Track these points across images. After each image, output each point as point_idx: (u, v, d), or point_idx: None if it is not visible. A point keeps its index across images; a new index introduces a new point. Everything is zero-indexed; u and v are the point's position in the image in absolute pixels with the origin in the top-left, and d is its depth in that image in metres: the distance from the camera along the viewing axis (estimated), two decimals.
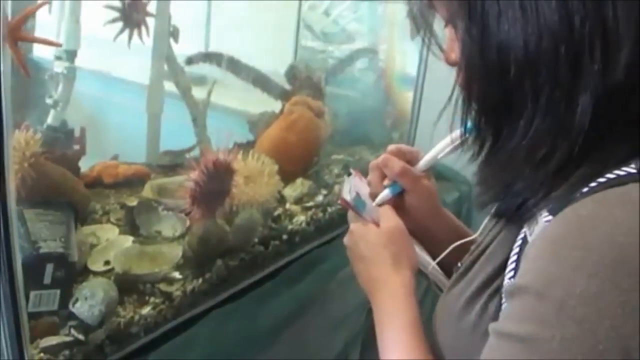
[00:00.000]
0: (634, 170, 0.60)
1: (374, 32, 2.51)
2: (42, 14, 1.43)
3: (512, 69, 0.64)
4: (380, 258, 0.91)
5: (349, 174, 1.07)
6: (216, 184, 1.27)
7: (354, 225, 0.97)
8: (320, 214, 1.67)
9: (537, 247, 0.62)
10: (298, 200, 1.69)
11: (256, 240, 1.46)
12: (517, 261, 0.69)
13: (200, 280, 1.29)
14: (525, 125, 0.65)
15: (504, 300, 0.69)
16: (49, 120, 1.46)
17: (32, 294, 1.03)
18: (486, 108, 0.70)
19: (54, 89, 1.47)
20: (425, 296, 1.11)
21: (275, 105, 1.89)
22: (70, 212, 1.17)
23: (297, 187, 1.70)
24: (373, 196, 1.02)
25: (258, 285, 1.41)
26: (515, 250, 0.71)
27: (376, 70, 2.42)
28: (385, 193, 1.00)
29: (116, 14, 1.48)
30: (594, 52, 0.61)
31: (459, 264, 0.87)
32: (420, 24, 0.79)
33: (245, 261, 1.41)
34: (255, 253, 1.44)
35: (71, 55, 1.47)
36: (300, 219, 1.62)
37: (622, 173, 0.60)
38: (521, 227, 0.72)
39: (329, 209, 1.70)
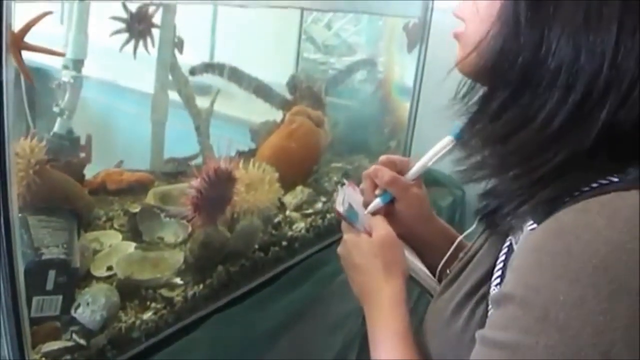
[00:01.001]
0: (616, 179, 0.59)
1: (373, 44, 2.49)
2: (53, 24, 1.42)
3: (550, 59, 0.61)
4: (373, 267, 0.90)
5: (343, 184, 1.06)
6: (217, 191, 1.25)
7: (347, 235, 0.96)
8: (320, 221, 1.64)
9: (520, 256, 0.61)
10: (298, 208, 1.66)
11: (256, 246, 1.43)
12: (503, 269, 0.69)
13: (202, 285, 1.26)
14: (540, 126, 0.62)
15: (490, 307, 0.67)
16: (56, 128, 1.43)
17: (35, 299, 1.00)
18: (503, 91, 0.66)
19: (60, 98, 1.45)
20: (419, 301, 1.09)
21: (277, 115, 1.86)
22: (73, 219, 1.14)
23: (297, 195, 1.67)
24: (366, 204, 1.01)
25: (258, 290, 1.38)
26: (502, 258, 0.71)
27: (374, 81, 2.40)
28: (377, 202, 1.00)
29: (122, 25, 1.46)
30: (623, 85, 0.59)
31: (448, 271, 0.86)
32: None
33: (246, 267, 1.38)
34: (256, 259, 1.41)
35: (78, 64, 1.45)
36: (300, 225, 1.59)
37: (604, 182, 0.59)
38: (507, 235, 0.71)
39: (328, 216, 1.67)
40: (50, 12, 0.93)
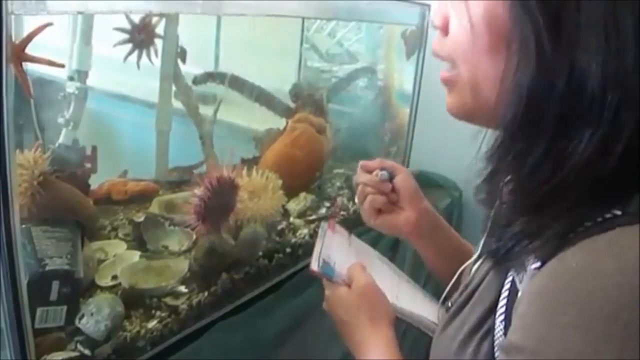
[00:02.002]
0: (619, 213, 0.55)
1: (373, 52, 2.47)
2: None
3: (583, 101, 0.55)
4: (358, 320, 0.89)
5: (323, 228, 1.10)
6: (221, 199, 1.22)
7: (328, 292, 0.96)
8: None
9: (527, 301, 0.57)
10: (301, 214, 1.63)
11: (260, 253, 1.39)
12: (507, 305, 0.65)
13: (206, 293, 1.23)
14: (553, 166, 0.57)
15: (496, 349, 0.65)
16: (61, 139, 1.41)
17: (39, 310, 0.97)
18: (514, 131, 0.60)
19: (66, 109, 1.43)
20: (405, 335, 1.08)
21: (280, 123, 1.84)
22: (76, 229, 1.11)
23: (301, 201, 1.64)
24: (369, 214, 1.05)
25: (262, 297, 1.35)
26: (504, 294, 0.67)
27: (375, 88, 2.39)
28: (384, 172, 1.04)
29: (125, 36, 1.44)
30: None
31: (450, 303, 0.83)
32: None
33: (250, 274, 1.34)
34: (260, 266, 1.38)
35: (83, 75, 1.43)
36: (304, 232, 1.56)
37: (608, 216, 0.55)
38: (508, 270, 0.67)
39: None
40: (50, 24, 0.90)
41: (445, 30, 0.66)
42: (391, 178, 1.04)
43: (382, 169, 1.05)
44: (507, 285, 0.67)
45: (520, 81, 0.58)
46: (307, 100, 1.88)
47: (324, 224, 1.11)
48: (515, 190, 0.63)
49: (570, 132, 0.56)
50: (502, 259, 0.65)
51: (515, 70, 0.58)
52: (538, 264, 0.59)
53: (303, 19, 2.30)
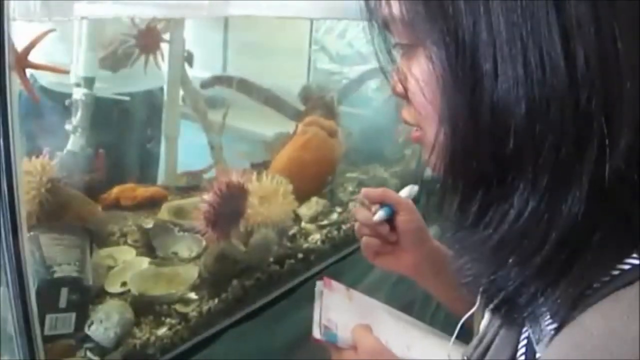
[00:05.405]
0: (637, 262, 0.51)
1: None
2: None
3: (510, 139, 0.51)
4: None
5: (319, 288, 1.05)
6: (230, 205, 1.24)
7: (334, 357, 0.94)
8: (335, 232, 1.62)
9: None
10: (313, 219, 1.64)
11: (272, 259, 1.41)
12: None
13: (217, 300, 1.26)
14: (518, 209, 0.53)
15: None
16: (69, 145, 1.43)
17: (48, 317, 1.00)
18: (468, 181, 0.57)
19: (73, 115, 1.45)
20: None
21: (290, 126, 1.86)
22: (85, 236, 1.14)
23: (312, 206, 1.66)
24: (366, 255, 1.03)
25: (274, 304, 1.36)
26: (522, 350, 0.64)
27: (388, 89, 2.39)
28: (381, 213, 0.99)
29: (131, 41, 1.46)
30: (595, 130, 0.49)
31: (465, 357, 0.79)
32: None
33: (261, 280, 1.36)
34: (271, 272, 1.40)
35: (89, 82, 1.45)
36: (316, 237, 1.58)
37: (626, 267, 0.51)
38: (522, 324, 0.64)
39: (344, 227, 1.65)
40: (53, 30, 0.93)
41: (406, 97, 0.64)
42: (393, 214, 1.00)
43: (383, 204, 1.00)
44: (523, 342, 0.64)
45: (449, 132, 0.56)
46: (317, 102, 1.90)
47: (319, 283, 1.07)
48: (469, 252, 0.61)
49: (506, 187, 0.53)
50: (508, 314, 0.62)
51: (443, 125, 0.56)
52: (554, 324, 0.55)
53: (312, 20, 2.32)
